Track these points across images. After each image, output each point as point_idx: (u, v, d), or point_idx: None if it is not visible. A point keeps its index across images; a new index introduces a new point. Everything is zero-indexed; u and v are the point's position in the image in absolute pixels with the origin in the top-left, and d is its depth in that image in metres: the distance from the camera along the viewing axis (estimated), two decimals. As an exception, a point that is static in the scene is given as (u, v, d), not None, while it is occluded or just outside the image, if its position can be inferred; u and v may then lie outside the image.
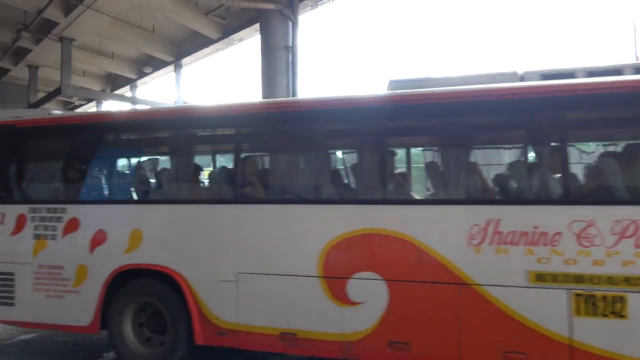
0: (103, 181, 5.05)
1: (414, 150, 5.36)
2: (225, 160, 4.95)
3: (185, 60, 16.71)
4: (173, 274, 4.20)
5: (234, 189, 4.34)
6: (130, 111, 5.07)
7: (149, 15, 13.62)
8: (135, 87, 19.54)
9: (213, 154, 5.68)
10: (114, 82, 19.44)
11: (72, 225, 4.60)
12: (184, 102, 17.68)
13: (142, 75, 18.10)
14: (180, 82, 17.34)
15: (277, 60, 11.36)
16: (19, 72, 17.13)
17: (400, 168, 5.14)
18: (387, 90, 4.27)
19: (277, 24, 11.43)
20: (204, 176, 5.41)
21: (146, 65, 17.34)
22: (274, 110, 4.52)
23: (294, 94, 11.36)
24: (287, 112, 4.39)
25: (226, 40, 14.40)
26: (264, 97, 11.66)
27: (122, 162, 5.59)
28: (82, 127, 5.14)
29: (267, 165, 4.80)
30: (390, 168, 4.27)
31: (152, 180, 5.22)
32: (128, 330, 4.44)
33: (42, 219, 4.72)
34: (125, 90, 19.70)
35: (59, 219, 4.65)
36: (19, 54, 15.87)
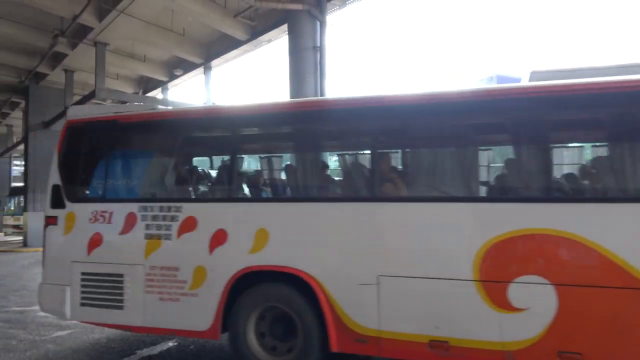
0: (223, 178, 4.86)
1: (580, 145, 4.80)
2: (358, 156, 4.57)
3: (214, 62, 16.90)
4: (305, 276, 3.96)
5: (373, 185, 4.10)
6: (252, 104, 4.94)
7: (179, 18, 13.87)
8: (167, 89, 19.91)
9: (344, 150, 5.11)
10: (145, 85, 19.87)
11: (189, 225, 4.39)
12: (213, 103, 17.96)
13: (173, 77, 18.42)
14: (209, 83, 17.56)
15: (305, 60, 11.37)
16: (56, 77, 17.68)
17: (568, 165, 4.64)
18: (530, 81, 4.02)
19: (305, 24, 11.44)
20: (335, 172, 5.11)
21: (177, 67, 17.64)
22: (423, 102, 4.11)
23: (321, 94, 11.35)
24: (439, 104, 4.01)
25: (254, 41, 14.50)
26: (291, 98, 11.70)
27: (243, 158, 5.30)
28: (198, 122, 5.01)
29: (410, 160, 4.47)
30: (555, 164, 3.91)
31: (280, 177, 4.99)
32: (251, 336, 4.22)
33: (155, 217, 4.53)
34: (157, 93, 20.10)
35: (173, 218, 4.45)
36: (56, 59, 16.40)
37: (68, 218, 4.87)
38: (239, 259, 4.17)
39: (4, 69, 17.64)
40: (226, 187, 4.77)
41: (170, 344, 5.34)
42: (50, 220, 4.99)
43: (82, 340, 5.55)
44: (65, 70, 17.27)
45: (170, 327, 4.42)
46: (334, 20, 12.12)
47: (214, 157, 5.34)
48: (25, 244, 18.41)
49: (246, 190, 4.93)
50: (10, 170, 31.47)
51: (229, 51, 15.53)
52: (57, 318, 6.55)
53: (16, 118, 24.07)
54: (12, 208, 24.86)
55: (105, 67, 14.61)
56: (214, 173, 5.26)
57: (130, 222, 4.59)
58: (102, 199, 4.85)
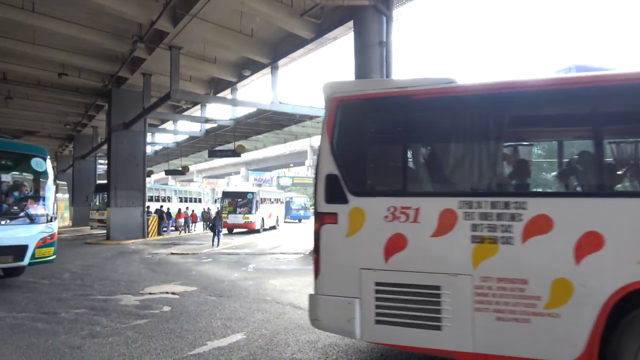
0: (593, 166, 3.69)
1: None
2: None
3: (281, 62, 17.18)
4: None
5: None
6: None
7: (248, 19, 14.23)
8: (236, 89, 20.53)
9: None
10: (216, 86, 20.61)
11: (540, 226, 3.49)
12: (281, 103, 18.26)
13: (241, 78, 18.95)
14: (276, 83, 17.88)
15: (371, 56, 11.25)
16: (135, 80, 18.78)
17: None
18: None
19: (370, 20, 11.33)
20: None
21: (245, 68, 18.12)
22: None
23: (388, 90, 11.17)
24: None
25: (320, 40, 14.56)
26: (357, 95, 11.62)
27: (621, 140, 3.88)
28: (547, 95, 3.84)
29: None
30: None
31: None
32: None
33: (485, 216, 3.64)
34: (227, 93, 20.79)
35: (514, 217, 3.56)
36: (135, 64, 17.42)
37: (353, 216, 4.03)
38: (624, 271, 3.26)
39: (91, 75, 19.02)
40: (599, 178, 3.66)
41: (239, 336, 5.47)
42: (327, 219, 4.13)
43: (158, 329, 5.83)
44: (143, 74, 18.32)
45: (515, 354, 3.50)
46: (401, 15, 11.88)
47: (566, 139, 4.20)
48: (108, 237, 19.78)
49: (631, 181, 3.83)
50: (95, 169, 33.98)
51: (295, 50, 15.71)
52: (157, 309, 6.95)
53: (100, 120, 25.88)
54: (97, 203, 26.71)
55: (179, 70, 15.31)
56: (577, 160, 4.06)
57: (447, 221, 3.73)
58: (403, 192, 4.00)
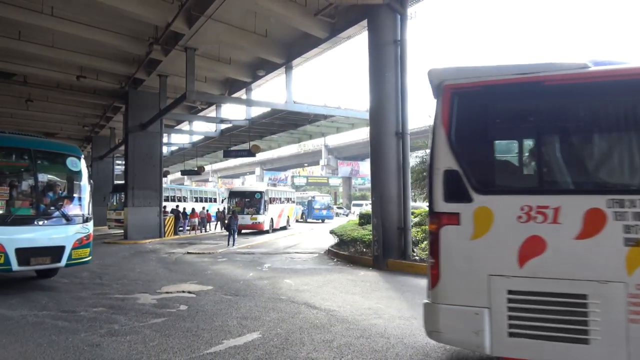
0: None
1: None
2: None
3: (295, 62, 17.22)
4: None
5: None
6: None
7: (262, 20, 14.29)
8: (250, 90, 20.64)
9: None
10: (231, 86, 20.74)
11: None
12: (295, 102, 18.31)
13: (256, 78, 19.04)
14: (290, 83, 17.92)
15: (386, 55, 11.22)
16: (152, 82, 19.01)
17: None
18: None
19: (385, 18, 11.29)
20: None
21: (259, 68, 18.21)
22: None
23: (402, 89, 11.13)
24: None
25: (334, 39, 14.56)
26: (371, 93, 11.60)
27: None
28: None
29: None
30: None
31: None
32: None
33: None
34: (242, 94, 20.91)
35: None
36: (151, 65, 17.63)
37: (479, 215, 3.66)
38: None
39: (108, 77, 19.31)
40: None
41: (255, 335, 5.50)
42: (447, 219, 3.77)
43: (175, 327, 5.89)
44: (160, 76, 18.54)
45: None
46: (416, 12, 11.80)
47: None
48: (125, 236, 20.05)
49: None
50: (113, 169, 34.48)
51: (309, 50, 15.73)
52: (169, 307, 7.03)
53: (118, 121, 26.25)
54: (115, 203, 27.07)
55: (194, 71, 15.45)
56: None
57: (594, 222, 3.36)
58: (539, 190, 3.67)
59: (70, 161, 9.10)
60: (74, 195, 9.20)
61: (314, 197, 40.40)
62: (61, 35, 14.64)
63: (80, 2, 12.55)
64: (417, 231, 12.28)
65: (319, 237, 20.57)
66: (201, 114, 24.89)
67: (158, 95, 19.00)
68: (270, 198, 25.66)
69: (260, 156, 38.88)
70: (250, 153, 23.20)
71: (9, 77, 18.76)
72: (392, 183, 11.13)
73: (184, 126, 29.79)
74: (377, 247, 10.96)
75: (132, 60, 17.72)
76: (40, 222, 8.19)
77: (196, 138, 30.28)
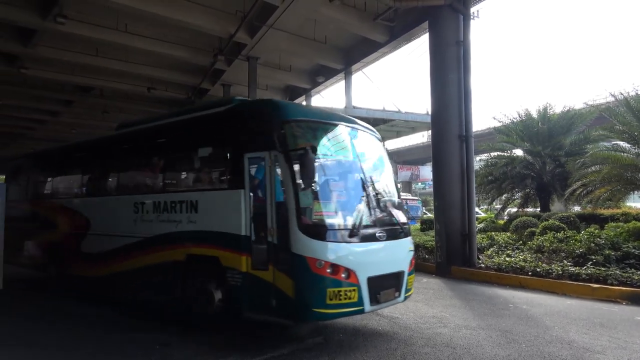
0: None
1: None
2: None
3: (354, 67, 17.24)
4: None
5: None
6: None
7: (321, 27, 14.44)
8: (310, 96, 20.88)
9: None
10: (291, 93, 21.09)
11: None
12: (354, 107, 18.32)
13: (315, 84, 19.25)
14: (350, 88, 17.94)
15: (448, 56, 10.92)
16: (215, 91, 19.74)
17: None
18: None
19: (447, 19, 11.00)
20: None
21: (319, 75, 18.40)
22: None
23: (466, 91, 10.78)
24: None
25: (394, 42, 14.44)
26: (433, 96, 11.34)
27: None
28: None
29: None
30: None
31: None
32: None
33: None
34: (302, 100, 21.21)
35: None
36: (216, 75, 18.31)
37: None
38: None
39: (176, 88, 20.29)
40: None
41: (318, 339, 5.49)
42: None
43: (238, 329, 5.99)
44: (223, 85, 19.21)
45: None
46: (478, 12, 11.43)
47: None
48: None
49: None
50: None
51: (369, 54, 15.71)
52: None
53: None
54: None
55: (256, 79, 15.88)
56: None
57: None
58: None
59: (382, 146, 6.70)
60: (395, 193, 6.39)
61: (406, 201, 39.00)
62: (133, 50, 15.57)
63: (150, 18, 13.28)
64: (482, 237, 11.81)
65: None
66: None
67: (222, 104, 19.62)
68: None
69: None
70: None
71: (88, 91, 20.22)
72: (455, 188, 10.78)
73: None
74: (440, 254, 10.65)
75: (198, 71, 18.49)
76: (382, 235, 5.50)
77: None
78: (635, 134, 12.63)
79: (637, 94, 13.32)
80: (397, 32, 13.93)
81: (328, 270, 4.82)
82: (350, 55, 16.68)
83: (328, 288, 4.81)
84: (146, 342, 5.45)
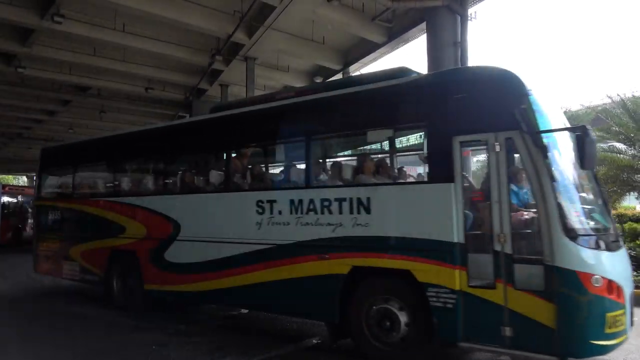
0: None
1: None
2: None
3: (352, 67, 17.24)
4: None
5: None
6: None
7: (319, 28, 14.43)
8: (308, 96, 20.85)
9: None
10: (289, 94, 21.04)
11: None
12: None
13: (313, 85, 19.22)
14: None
15: (445, 57, 10.93)
16: (214, 91, 19.69)
17: None
18: None
19: (444, 20, 11.03)
20: None
21: (317, 75, 18.40)
22: None
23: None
24: None
25: (392, 43, 14.45)
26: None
27: None
28: None
29: None
30: None
31: None
32: None
33: None
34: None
35: None
36: (213, 75, 18.28)
37: None
38: None
39: (174, 88, 20.25)
40: None
41: (314, 341, 5.50)
42: None
43: (236, 330, 5.99)
44: (221, 85, 19.15)
45: None
46: (476, 13, 11.44)
47: None
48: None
49: None
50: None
51: (367, 55, 15.72)
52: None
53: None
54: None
55: (254, 80, 15.85)
56: None
57: None
58: None
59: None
60: None
61: None
62: (131, 50, 15.52)
63: (148, 18, 13.22)
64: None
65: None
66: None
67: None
68: None
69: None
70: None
71: (85, 91, 20.18)
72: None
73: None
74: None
75: (196, 71, 18.44)
76: (619, 242, 4.53)
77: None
78: (632, 135, 12.68)
79: (633, 95, 13.39)
80: (396, 33, 13.93)
81: (605, 289, 3.75)
82: (349, 55, 16.67)
83: (607, 312, 3.77)
84: (144, 342, 5.45)
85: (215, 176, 6.35)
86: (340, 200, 4.85)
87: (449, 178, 4.25)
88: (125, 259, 7.06)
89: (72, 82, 18.66)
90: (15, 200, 20.54)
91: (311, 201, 5.05)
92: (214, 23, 13.51)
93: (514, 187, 4.31)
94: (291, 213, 5.19)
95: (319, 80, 18.53)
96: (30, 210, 19.30)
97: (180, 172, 7.03)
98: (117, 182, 7.87)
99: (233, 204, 5.92)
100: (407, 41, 14.54)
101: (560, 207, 3.80)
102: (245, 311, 7.09)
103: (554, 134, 4.08)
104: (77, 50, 15.41)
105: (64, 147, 10.39)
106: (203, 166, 7.07)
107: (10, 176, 53.56)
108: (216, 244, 5.84)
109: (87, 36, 13.87)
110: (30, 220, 19.14)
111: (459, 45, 10.87)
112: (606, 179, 12.93)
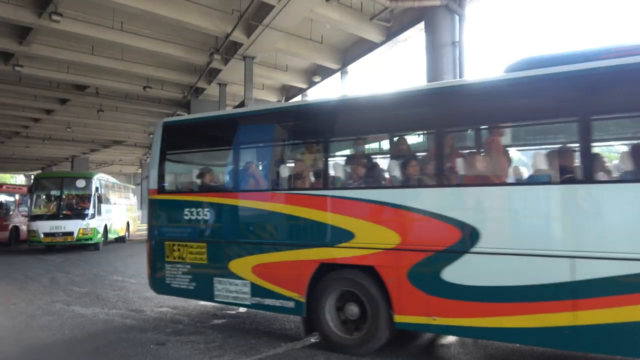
0: None
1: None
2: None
3: (350, 67, 17.25)
4: None
5: None
6: None
7: (318, 27, 14.45)
8: (306, 95, 20.87)
9: None
10: (287, 93, 21.09)
11: None
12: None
13: (312, 84, 19.24)
14: (345, 88, 17.96)
15: (443, 57, 10.96)
16: (212, 90, 19.69)
17: None
18: None
19: (442, 20, 11.05)
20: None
21: (315, 74, 18.41)
22: None
23: (461, 91, 10.81)
24: None
25: (390, 42, 14.46)
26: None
27: None
28: None
29: None
30: None
31: None
32: None
33: None
34: (298, 99, 21.20)
35: None
36: (212, 74, 18.28)
37: None
38: None
39: (172, 87, 20.25)
40: None
41: (312, 339, 5.51)
42: None
43: (235, 329, 6.02)
44: (219, 84, 19.15)
45: None
46: (474, 13, 11.47)
47: None
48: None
49: None
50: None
51: (365, 54, 15.71)
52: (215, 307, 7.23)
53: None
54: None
55: (252, 79, 15.86)
56: None
57: None
58: None
59: None
60: None
61: None
62: (129, 48, 15.51)
63: (146, 16, 13.22)
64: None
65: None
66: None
67: (218, 103, 19.64)
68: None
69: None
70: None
71: (83, 89, 20.15)
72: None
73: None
74: None
75: (194, 70, 18.45)
76: None
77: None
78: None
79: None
80: (394, 32, 13.95)
81: None
82: (347, 55, 16.69)
83: None
84: (142, 341, 5.46)
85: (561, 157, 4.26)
86: None
87: None
88: (348, 277, 5.06)
89: (70, 80, 18.66)
90: (13, 199, 20.44)
91: None
92: (212, 22, 13.51)
93: None
94: None
95: (317, 80, 18.55)
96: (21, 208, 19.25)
97: (476, 153, 4.97)
98: (334, 170, 5.54)
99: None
100: (405, 41, 14.54)
101: None
102: (244, 310, 7.10)
103: None
104: (75, 49, 15.42)
105: (211, 119, 6.97)
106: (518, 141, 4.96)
107: (7, 175, 53.43)
108: (545, 260, 4.00)
109: (85, 35, 13.86)
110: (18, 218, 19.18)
111: (457, 45, 10.91)
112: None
